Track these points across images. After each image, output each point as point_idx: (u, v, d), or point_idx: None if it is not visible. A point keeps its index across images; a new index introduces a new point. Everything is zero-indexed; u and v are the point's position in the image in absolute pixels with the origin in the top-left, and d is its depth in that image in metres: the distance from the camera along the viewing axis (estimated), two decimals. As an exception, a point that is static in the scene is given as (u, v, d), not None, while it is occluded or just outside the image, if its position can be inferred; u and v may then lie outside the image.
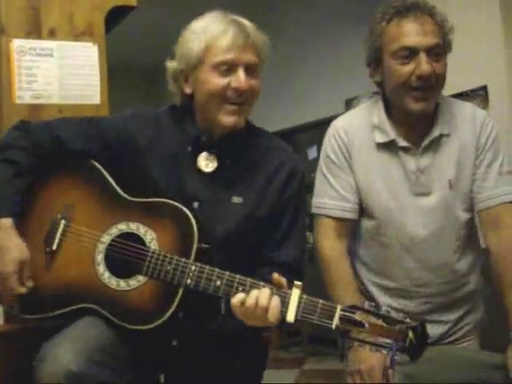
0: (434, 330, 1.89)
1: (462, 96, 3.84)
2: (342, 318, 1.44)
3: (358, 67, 5.97)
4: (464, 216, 1.95)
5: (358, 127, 1.97)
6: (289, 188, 1.76)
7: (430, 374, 1.73)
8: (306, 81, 6.48)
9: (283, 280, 1.51)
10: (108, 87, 2.27)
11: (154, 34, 7.17)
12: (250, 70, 1.70)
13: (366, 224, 1.98)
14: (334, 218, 1.96)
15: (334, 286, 1.95)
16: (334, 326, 1.44)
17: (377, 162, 1.93)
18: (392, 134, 1.92)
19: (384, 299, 1.97)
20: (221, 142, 1.75)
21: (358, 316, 1.44)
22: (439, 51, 1.84)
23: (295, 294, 1.49)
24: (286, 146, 1.85)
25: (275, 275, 1.52)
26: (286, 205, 1.76)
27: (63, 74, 2.21)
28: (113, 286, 1.62)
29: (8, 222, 1.65)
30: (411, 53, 1.81)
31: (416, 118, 1.90)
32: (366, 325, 1.42)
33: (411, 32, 1.82)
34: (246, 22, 1.73)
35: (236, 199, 1.72)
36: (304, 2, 6.44)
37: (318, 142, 7.38)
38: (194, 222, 1.61)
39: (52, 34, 2.21)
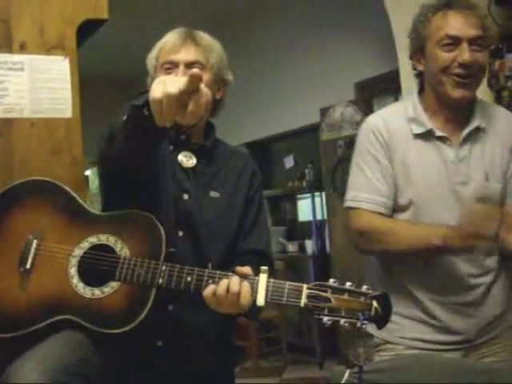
0: (464, 326, 1.91)
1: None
2: (309, 296, 1.53)
3: (333, 76, 6.08)
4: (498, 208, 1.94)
5: (396, 121, 1.99)
6: (253, 185, 1.97)
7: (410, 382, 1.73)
8: (282, 90, 6.51)
9: (247, 269, 1.62)
10: (80, 101, 2.26)
11: (126, 47, 7.18)
12: (193, 67, 1.79)
13: (400, 218, 1.96)
14: (370, 211, 1.95)
15: (403, 233, 1.89)
16: (302, 304, 1.53)
17: (415, 152, 1.95)
18: (429, 125, 1.95)
19: (439, 313, 1.93)
20: (198, 143, 1.91)
21: (323, 293, 1.52)
22: (481, 42, 1.90)
23: (263, 278, 1.58)
24: (242, 150, 2.08)
25: (238, 267, 1.62)
26: (252, 199, 1.95)
27: (35, 87, 2.20)
28: (88, 295, 1.66)
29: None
30: (455, 41, 1.88)
31: (454, 108, 1.95)
32: (332, 300, 1.52)
33: (456, 22, 1.89)
34: (196, 31, 1.91)
35: (213, 193, 1.88)
36: (279, 12, 6.48)
37: (295, 151, 7.48)
38: (161, 228, 1.69)
39: (23, 48, 2.20)
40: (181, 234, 1.81)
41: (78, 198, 1.80)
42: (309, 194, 6.35)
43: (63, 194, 1.81)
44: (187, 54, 1.85)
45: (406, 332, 1.94)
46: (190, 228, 1.81)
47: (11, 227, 1.78)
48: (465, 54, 1.86)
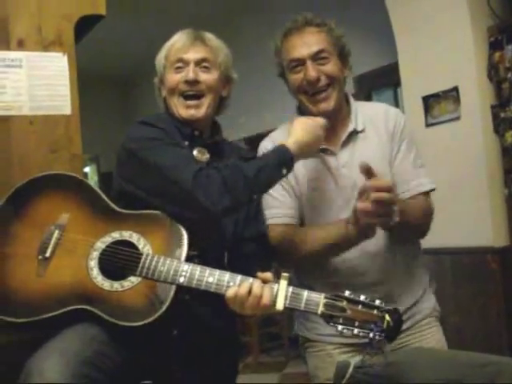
0: None
1: (434, 97, 3.89)
2: (326, 305, 1.60)
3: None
4: None
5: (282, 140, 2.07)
6: None
7: (406, 377, 1.74)
8: (281, 84, 6.49)
9: (268, 275, 1.66)
10: (79, 97, 2.25)
11: (124, 43, 7.16)
12: (202, 65, 1.94)
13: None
14: (282, 224, 2.06)
15: (309, 240, 2.01)
16: (319, 312, 1.60)
17: (302, 167, 2.06)
18: None
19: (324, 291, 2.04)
20: (207, 139, 1.99)
21: (339, 303, 1.59)
22: (324, 55, 2.03)
23: (283, 284, 1.63)
24: (245, 146, 2.09)
25: (259, 273, 1.66)
26: None
27: (33, 84, 2.19)
28: (106, 288, 1.67)
29: (286, 141, 1.88)
30: (299, 63, 2.03)
31: (325, 119, 2.04)
32: (348, 310, 1.59)
33: (295, 46, 2.04)
34: (203, 32, 2.00)
35: None
36: (279, 6, 6.46)
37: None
38: (184, 231, 1.72)
39: (21, 45, 2.19)
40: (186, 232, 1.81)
41: (103, 196, 1.83)
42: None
43: (90, 191, 1.84)
44: (197, 52, 1.94)
45: (322, 329, 2.05)
46: (207, 221, 1.82)
47: (34, 216, 1.79)
48: (308, 71, 2.00)
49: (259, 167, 1.76)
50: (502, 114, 3.57)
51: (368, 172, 1.78)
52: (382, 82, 5.22)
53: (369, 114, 2.12)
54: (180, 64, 1.94)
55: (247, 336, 5.52)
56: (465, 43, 3.67)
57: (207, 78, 1.94)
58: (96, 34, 2.74)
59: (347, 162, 2.05)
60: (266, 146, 2.09)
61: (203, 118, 1.95)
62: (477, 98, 3.66)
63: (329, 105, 2.03)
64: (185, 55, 1.93)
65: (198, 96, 1.94)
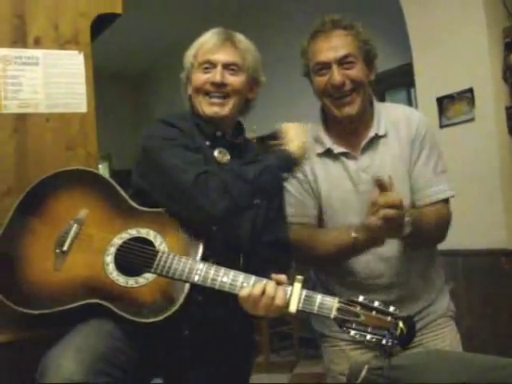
0: None
1: (449, 98, 3.88)
2: (339, 309, 1.59)
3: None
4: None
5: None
6: None
7: (420, 378, 1.74)
8: (293, 86, 6.48)
9: (282, 277, 1.67)
10: (95, 95, 2.26)
11: (138, 41, 7.17)
12: (230, 68, 1.94)
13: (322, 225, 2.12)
14: (299, 224, 2.10)
15: (320, 243, 2.04)
16: (332, 316, 1.59)
17: (321, 168, 2.10)
18: (328, 143, 2.10)
19: (340, 290, 2.06)
20: (229, 139, 1.98)
21: (353, 308, 1.59)
22: (351, 59, 2.04)
23: (297, 287, 1.64)
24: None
25: (274, 275, 1.67)
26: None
27: (49, 82, 2.20)
28: (122, 284, 1.70)
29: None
30: (325, 66, 2.04)
31: (348, 123, 2.09)
32: (362, 316, 1.57)
33: (322, 48, 2.05)
34: (234, 33, 2.01)
35: None
36: (287, 8, 6.46)
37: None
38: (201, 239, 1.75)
39: (37, 43, 2.19)
40: (214, 227, 1.82)
41: (121, 192, 1.85)
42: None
43: (108, 187, 1.86)
44: (225, 55, 1.94)
45: (336, 326, 2.01)
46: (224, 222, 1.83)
47: (54, 210, 1.82)
48: (333, 76, 2.02)
49: (260, 170, 1.78)
50: (517, 116, 3.56)
51: (381, 186, 1.78)
52: (396, 82, 5.20)
53: (391, 118, 2.12)
54: (208, 65, 1.94)
55: (258, 335, 5.52)
56: (480, 44, 3.65)
57: (234, 80, 1.94)
58: (110, 32, 2.75)
59: (368, 166, 2.06)
60: None
61: (227, 117, 1.96)
62: (491, 99, 3.64)
63: (352, 109, 2.05)
64: (213, 57, 1.94)
65: (223, 96, 1.94)
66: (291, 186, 2.09)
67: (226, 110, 1.94)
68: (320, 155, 2.12)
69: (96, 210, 1.81)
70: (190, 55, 2.00)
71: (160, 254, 1.71)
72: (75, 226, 1.78)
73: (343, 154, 2.08)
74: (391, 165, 2.05)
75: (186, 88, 2.03)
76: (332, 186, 2.08)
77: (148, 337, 1.69)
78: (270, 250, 1.90)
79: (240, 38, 2.00)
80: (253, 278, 1.67)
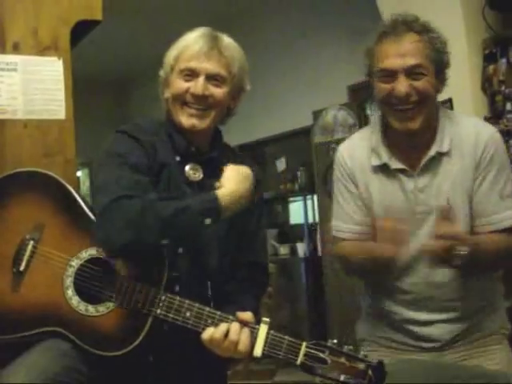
0: (438, 335, 1.92)
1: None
2: (306, 355, 1.52)
3: (325, 79, 6.08)
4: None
5: (360, 150, 2.00)
6: (255, 195, 1.86)
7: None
8: (274, 93, 6.51)
9: (248, 315, 1.60)
10: (73, 102, 2.24)
11: (118, 48, 7.15)
12: (213, 79, 1.79)
13: None
14: (347, 240, 2.00)
15: (357, 251, 1.95)
16: (298, 362, 1.52)
17: (376, 182, 1.95)
18: (385, 157, 1.93)
19: (395, 308, 1.96)
20: (204, 154, 1.85)
21: (321, 353, 1.51)
22: (420, 70, 1.83)
23: (263, 329, 1.57)
24: (249, 159, 2.00)
25: (239, 314, 1.60)
26: (253, 210, 1.87)
27: (28, 88, 2.19)
28: (81, 311, 1.62)
29: (218, 191, 1.68)
30: (390, 74, 1.84)
31: (408, 138, 1.91)
32: (329, 361, 1.50)
33: (389, 54, 1.84)
34: (221, 36, 1.84)
35: None
36: (272, 16, 6.48)
37: (287, 154, 7.47)
38: (164, 251, 1.63)
39: (16, 49, 2.18)
40: (180, 250, 1.74)
41: (82, 204, 1.74)
42: (301, 197, 6.36)
43: (65, 193, 1.76)
44: (210, 65, 1.79)
45: (376, 331, 2.00)
46: (190, 244, 1.75)
47: (8, 219, 1.72)
48: (399, 86, 1.82)
49: (178, 209, 1.59)
50: (496, 127, 3.58)
51: (444, 216, 1.72)
52: (376, 92, 5.24)
53: (458, 134, 1.91)
54: (190, 73, 1.79)
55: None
56: (459, 55, 3.67)
57: (216, 92, 1.80)
58: (90, 39, 2.73)
59: (426, 186, 1.89)
60: (342, 155, 2.02)
61: (204, 130, 1.83)
62: (471, 110, 3.66)
63: (415, 124, 1.85)
64: (197, 66, 1.78)
65: (203, 108, 1.81)
66: (343, 200, 1.99)
67: (205, 123, 1.81)
68: (375, 169, 1.95)
69: (54, 224, 1.71)
70: (171, 56, 1.83)
71: (119, 281, 1.61)
72: (31, 243, 1.69)
73: (400, 170, 1.91)
74: (450, 187, 1.88)
75: (164, 90, 1.88)
76: (386, 206, 1.92)
77: (109, 363, 1.63)
78: (247, 272, 1.84)
79: (227, 42, 1.83)
80: (217, 314, 1.59)
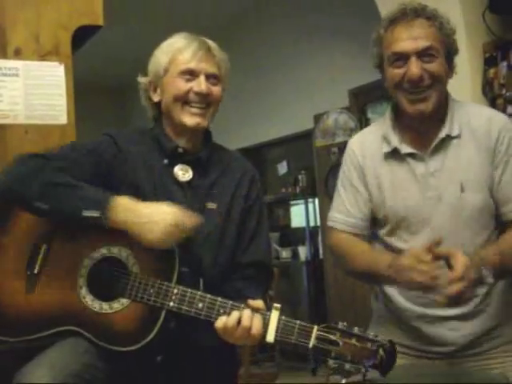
0: (453, 338, 1.87)
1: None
2: (318, 338, 1.54)
3: (327, 83, 6.08)
4: (477, 219, 1.89)
5: (372, 140, 2.01)
6: (252, 193, 1.94)
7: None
8: (276, 97, 6.51)
9: (260, 303, 1.62)
10: (75, 107, 2.25)
11: (120, 52, 7.17)
12: (211, 78, 1.88)
13: (381, 232, 1.98)
14: (343, 231, 2.01)
15: (358, 258, 1.92)
16: (311, 345, 1.54)
17: (387, 170, 1.95)
18: (395, 142, 1.94)
19: (406, 305, 1.93)
20: (193, 154, 1.89)
21: (332, 336, 1.53)
22: (432, 52, 1.85)
23: (274, 315, 1.58)
24: (243, 157, 2.07)
25: (250, 301, 1.62)
26: (251, 208, 1.93)
27: (29, 93, 2.19)
28: (95, 309, 1.65)
29: (123, 198, 1.67)
30: (402, 57, 1.86)
31: (420, 120, 1.91)
32: (341, 343, 1.52)
33: (401, 38, 1.86)
34: (207, 40, 1.92)
35: (210, 205, 1.86)
36: (273, 20, 6.49)
37: (288, 157, 7.48)
38: (175, 248, 1.67)
39: (18, 54, 2.19)
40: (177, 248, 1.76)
41: None
42: (302, 200, 6.35)
43: None
44: (208, 66, 1.87)
45: (389, 336, 1.90)
46: (184, 244, 1.75)
47: (22, 228, 1.75)
48: (411, 69, 1.84)
49: (68, 184, 1.66)
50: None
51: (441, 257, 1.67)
52: (378, 95, 5.24)
53: (469, 119, 1.92)
54: (189, 75, 1.85)
55: (239, 347, 5.49)
56: (460, 59, 3.67)
57: (215, 90, 1.88)
58: (92, 43, 2.75)
59: (436, 170, 1.88)
60: (352, 145, 2.03)
61: (204, 129, 1.91)
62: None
63: (427, 106, 1.86)
64: (197, 66, 1.85)
65: (203, 107, 1.88)
66: (344, 192, 2.01)
67: (207, 121, 1.89)
68: (386, 156, 1.95)
69: (65, 228, 1.73)
70: (162, 61, 1.88)
71: (132, 277, 1.66)
72: (44, 245, 1.72)
73: (410, 154, 1.91)
74: (464, 172, 1.87)
75: (151, 95, 1.93)
76: (397, 192, 1.92)
77: (121, 361, 1.66)
78: (249, 270, 1.87)
79: (214, 45, 1.93)
80: (229, 303, 1.61)
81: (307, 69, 6.12)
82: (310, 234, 6.16)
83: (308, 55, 6.12)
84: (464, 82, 3.67)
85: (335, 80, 5.74)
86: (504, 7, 3.48)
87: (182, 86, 1.85)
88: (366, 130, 2.11)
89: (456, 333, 1.87)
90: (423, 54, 1.84)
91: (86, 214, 1.63)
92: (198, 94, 1.85)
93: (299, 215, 6.64)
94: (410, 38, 1.85)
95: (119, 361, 1.65)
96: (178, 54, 1.87)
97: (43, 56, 2.23)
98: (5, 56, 2.17)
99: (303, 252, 6.22)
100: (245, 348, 5.40)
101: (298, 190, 6.37)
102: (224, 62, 1.93)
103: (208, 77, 1.87)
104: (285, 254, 6.43)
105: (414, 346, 1.92)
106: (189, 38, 1.91)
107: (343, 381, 1.60)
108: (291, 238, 6.71)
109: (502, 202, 1.89)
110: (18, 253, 1.73)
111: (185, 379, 1.77)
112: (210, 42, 1.92)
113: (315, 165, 5.92)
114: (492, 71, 3.54)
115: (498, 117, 1.96)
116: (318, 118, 5.80)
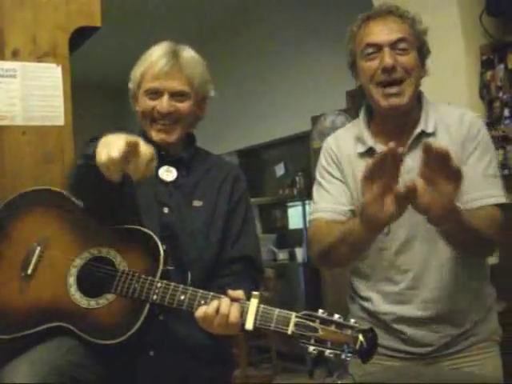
0: (432, 339, 1.87)
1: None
2: (297, 325, 1.55)
3: (324, 84, 6.08)
4: None
5: (346, 140, 2.00)
6: (235, 192, 1.99)
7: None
8: (273, 98, 6.52)
9: (239, 292, 1.64)
10: (72, 108, 2.25)
11: (118, 53, 7.16)
12: (177, 95, 1.90)
13: None
14: (327, 220, 1.94)
15: (335, 230, 1.86)
16: (289, 332, 1.55)
17: (362, 167, 1.85)
18: (370, 142, 1.93)
19: (385, 307, 1.93)
20: (176, 156, 1.96)
21: (311, 323, 1.54)
22: (405, 45, 1.85)
23: (253, 303, 1.60)
24: (227, 160, 2.14)
25: (230, 291, 1.64)
26: (236, 205, 1.98)
27: (27, 95, 2.20)
28: (83, 305, 1.70)
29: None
30: (376, 49, 1.86)
31: (394, 116, 1.89)
32: (320, 330, 1.53)
33: (374, 30, 1.88)
34: (182, 52, 1.93)
35: (196, 203, 1.93)
36: (270, 21, 6.49)
37: (285, 159, 7.46)
38: (161, 247, 1.72)
39: (15, 55, 2.20)
40: (164, 247, 1.79)
41: (80, 206, 1.83)
42: (299, 202, 6.35)
43: (70, 205, 1.85)
44: (172, 84, 1.90)
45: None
46: (172, 241, 1.84)
47: (18, 233, 1.82)
48: (385, 58, 1.83)
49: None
50: (493, 133, 3.58)
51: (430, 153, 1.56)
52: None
53: (442, 117, 1.92)
54: (154, 92, 1.90)
55: (236, 348, 5.50)
56: (457, 61, 3.69)
57: (181, 106, 1.91)
58: (90, 44, 2.75)
59: (412, 167, 1.83)
60: (329, 144, 2.01)
61: (174, 143, 1.94)
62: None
63: (401, 100, 1.84)
64: (160, 86, 1.89)
65: (169, 124, 1.92)
66: (327, 183, 1.97)
67: (173, 137, 1.92)
68: (362, 156, 1.94)
69: (59, 230, 1.82)
70: (137, 72, 1.94)
71: (119, 273, 1.71)
72: (38, 248, 1.79)
73: None
74: None
75: (134, 103, 2.00)
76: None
77: (114, 359, 1.69)
78: (237, 265, 1.91)
79: (187, 56, 1.93)
80: (210, 294, 1.64)
81: (305, 70, 6.13)
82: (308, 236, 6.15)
83: (306, 57, 6.13)
84: (461, 85, 3.68)
85: (333, 82, 5.75)
86: (501, 10, 3.49)
87: (147, 104, 1.91)
88: (339, 131, 2.08)
89: (436, 334, 1.88)
90: (396, 47, 1.84)
91: (79, 162, 1.71)
92: (159, 113, 1.90)
93: (296, 217, 6.64)
94: (383, 30, 1.86)
95: (112, 360, 1.68)
96: (148, 68, 1.91)
97: (41, 57, 2.23)
98: (2, 57, 2.18)
99: (300, 254, 6.22)
100: (241, 349, 5.41)
101: (295, 191, 6.37)
102: (197, 74, 1.94)
103: (173, 94, 1.90)
104: (282, 255, 6.43)
105: (392, 346, 1.92)
106: (162, 51, 1.92)
107: (338, 382, 1.60)
108: (288, 239, 6.71)
109: (463, 191, 1.83)
110: (14, 256, 1.79)
111: (178, 376, 1.79)
112: (183, 55, 1.92)
113: (312, 166, 5.92)
114: (489, 74, 3.56)
115: (470, 113, 1.97)
116: (315, 120, 5.81)
